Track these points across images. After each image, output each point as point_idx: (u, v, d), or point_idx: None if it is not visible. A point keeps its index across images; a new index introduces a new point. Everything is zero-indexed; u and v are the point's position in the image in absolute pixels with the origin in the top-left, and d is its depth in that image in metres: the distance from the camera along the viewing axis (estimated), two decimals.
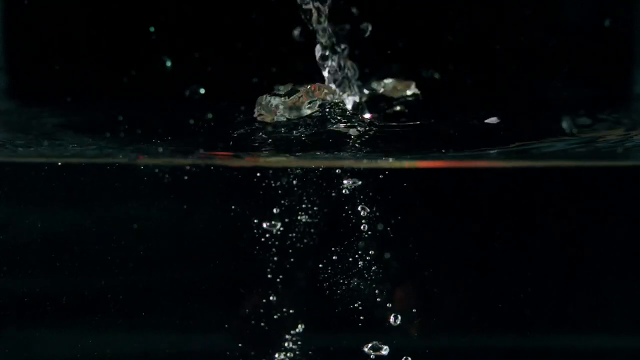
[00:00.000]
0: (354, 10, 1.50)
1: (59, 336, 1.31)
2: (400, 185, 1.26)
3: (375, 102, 1.46)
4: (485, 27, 1.63)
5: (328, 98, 1.38)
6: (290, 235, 1.25)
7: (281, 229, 1.25)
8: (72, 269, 1.28)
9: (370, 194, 1.25)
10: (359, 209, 1.25)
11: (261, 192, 1.25)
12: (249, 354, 1.27)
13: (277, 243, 1.25)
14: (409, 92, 1.49)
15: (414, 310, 1.27)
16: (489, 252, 1.28)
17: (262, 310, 1.26)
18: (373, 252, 1.25)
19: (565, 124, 1.34)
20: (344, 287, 1.25)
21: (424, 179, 1.28)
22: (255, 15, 1.58)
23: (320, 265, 1.25)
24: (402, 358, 1.27)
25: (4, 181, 1.29)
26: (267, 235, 1.25)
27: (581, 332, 1.31)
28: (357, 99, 1.40)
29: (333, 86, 1.41)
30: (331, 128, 1.35)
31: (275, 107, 1.35)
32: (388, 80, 1.51)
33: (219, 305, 1.29)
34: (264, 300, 1.26)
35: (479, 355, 1.30)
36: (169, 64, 1.59)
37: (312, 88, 1.37)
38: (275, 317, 1.26)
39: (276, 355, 1.27)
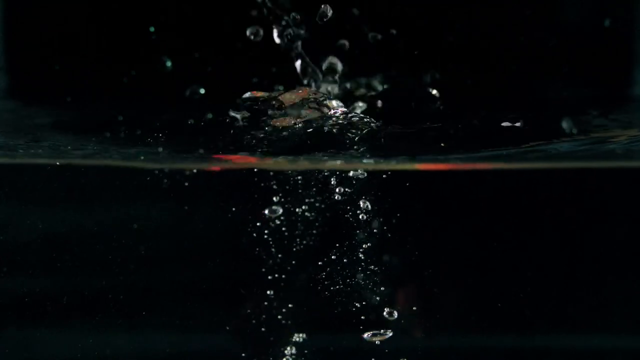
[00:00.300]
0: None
1: (59, 336, 1.31)
2: (400, 186, 1.26)
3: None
4: (485, 27, 1.63)
5: (312, 98, 1.37)
6: (290, 235, 1.25)
7: (281, 228, 1.25)
8: (72, 269, 1.28)
9: (370, 194, 1.25)
10: (359, 209, 1.25)
11: (261, 192, 1.25)
12: (249, 354, 1.27)
13: (277, 243, 1.25)
14: (357, 110, 1.45)
15: (414, 310, 1.27)
16: (489, 252, 1.28)
17: (262, 310, 1.26)
18: (373, 252, 1.25)
19: (565, 124, 1.34)
20: (344, 288, 1.26)
21: (424, 179, 1.28)
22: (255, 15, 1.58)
23: (320, 265, 1.25)
24: (401, 358, 1.27)
25: (4, 181, 1.29)
26: (267, 236, 1.25)
27: (581, 332, 1.31)
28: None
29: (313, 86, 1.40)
30: (331, 128, 1.35)
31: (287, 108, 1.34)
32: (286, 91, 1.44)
33: (219, 305, 1.29)
34: (264, 301, 1.26)
35: (479, 355, 1.30)
36: (169, 64, 1.59)
37: (298, 94, 1.36)
38: (275, 317, 1.26)
39: (276, 356, 1.27)
